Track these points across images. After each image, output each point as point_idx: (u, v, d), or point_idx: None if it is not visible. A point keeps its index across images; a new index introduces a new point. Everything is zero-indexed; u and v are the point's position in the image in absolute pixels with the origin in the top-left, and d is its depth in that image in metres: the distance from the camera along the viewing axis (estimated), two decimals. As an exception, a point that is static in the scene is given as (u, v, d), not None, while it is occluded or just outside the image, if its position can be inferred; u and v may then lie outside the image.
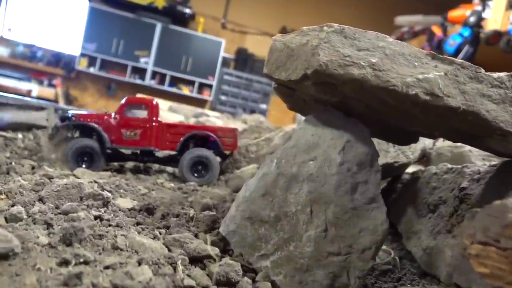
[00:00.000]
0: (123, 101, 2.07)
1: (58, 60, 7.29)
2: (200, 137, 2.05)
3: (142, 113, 2.10)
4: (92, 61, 7.26)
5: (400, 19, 7.58)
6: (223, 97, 8.22)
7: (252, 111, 8.28)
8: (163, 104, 5.80)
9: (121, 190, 1.67)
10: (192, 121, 4.16)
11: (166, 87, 7.62)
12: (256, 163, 2.12)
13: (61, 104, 6.49)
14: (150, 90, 7.45)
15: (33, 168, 1.69)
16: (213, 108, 7.98)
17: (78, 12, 7.51)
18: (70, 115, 2.08)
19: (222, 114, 4.77)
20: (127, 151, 2.10)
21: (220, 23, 8.42)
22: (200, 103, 7.89)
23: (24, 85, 6.25)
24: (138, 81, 7.51)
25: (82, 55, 7.19)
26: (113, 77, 7.43)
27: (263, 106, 8.54)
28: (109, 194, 1.35)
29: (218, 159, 2.07)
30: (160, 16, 7.44)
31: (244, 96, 8.38)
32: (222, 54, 7.95)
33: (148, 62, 7.51)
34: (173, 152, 2.14)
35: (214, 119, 4.16)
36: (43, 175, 1.56)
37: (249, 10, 8.60)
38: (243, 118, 4.64)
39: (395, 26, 7.69)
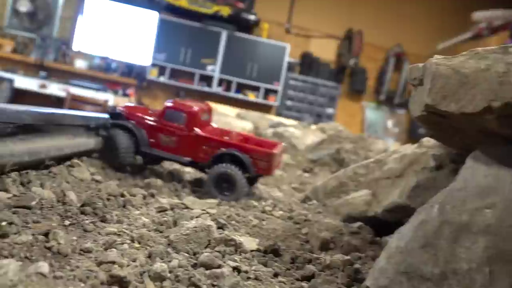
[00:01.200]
0: (166, 103, 2.00)
1: (130, 70, 7.52)
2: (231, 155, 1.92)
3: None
4: (162, 71, 7.41)
5: (479, 15, 7.00)
6: (288, 102, 8.07)
7: (318, 116, 8.06)
8: (230, 111, 5.76)
9: (233, 222, 1.55)
10: (269, 131, 4.01)
11: (232, 94, 7.61)
12: (367, 188, 1.93)
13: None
14: (217, 97, 7.47)
15: (144, 197, 1.62)
16: (278, 114, 7.85)
17: (148, 24, 7.71)
18: (117, 111, 2.02)
19: (299, 123, 4.59)
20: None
21: (284, 28, 8.27)
22: (266, 108, 7.80)
23: (101, 95, 6.49)
24: (206, 89, 7.56)
25: (153, 65, 7.36)
26: (182, 85, 7.54)
27: (330, 110, 8.27)
28: (241, 240, 1.22)
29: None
30: (225, 24, 7.43)
31: (310, 100, 8.16)
32: (286, 59, 7.80)
33: (214, 69, 7.54)
34: None
35: (292, 129, 3.99)
36: (159, 209, 1.48)
37: (313, 13, 8.37)
38: (321, 127, 4.43)
39: (472, 22, 7.12)
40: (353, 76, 8.43)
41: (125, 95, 7.06)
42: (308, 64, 8.22)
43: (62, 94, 6.30)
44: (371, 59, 8.58)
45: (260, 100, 7.72)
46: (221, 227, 1.39)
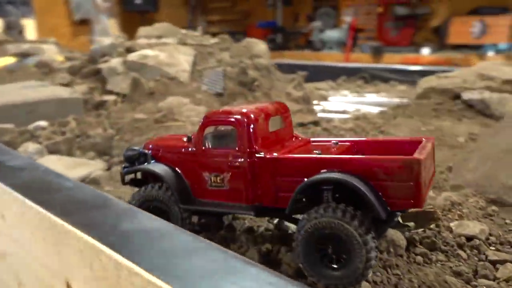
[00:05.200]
0: (202, 119, 1.12)
1: None
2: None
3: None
4: None
5: None
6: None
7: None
8: None
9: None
10: (119, 66, 2.48)
11: None
12: None
13: None
14: None
15: None
16: None
17: None
18: (139, 150, 1.25)
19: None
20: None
21: None
22: None
23: None
24: None
25: None
26: None
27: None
28: None
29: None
30: None
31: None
32: None
33: None
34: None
35: (150, 52, 2.55)
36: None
37: None
38: (147, 33, 3.10)
39: None
40: None
41: None
42: None
43: None
44: None
45: None
46: None
